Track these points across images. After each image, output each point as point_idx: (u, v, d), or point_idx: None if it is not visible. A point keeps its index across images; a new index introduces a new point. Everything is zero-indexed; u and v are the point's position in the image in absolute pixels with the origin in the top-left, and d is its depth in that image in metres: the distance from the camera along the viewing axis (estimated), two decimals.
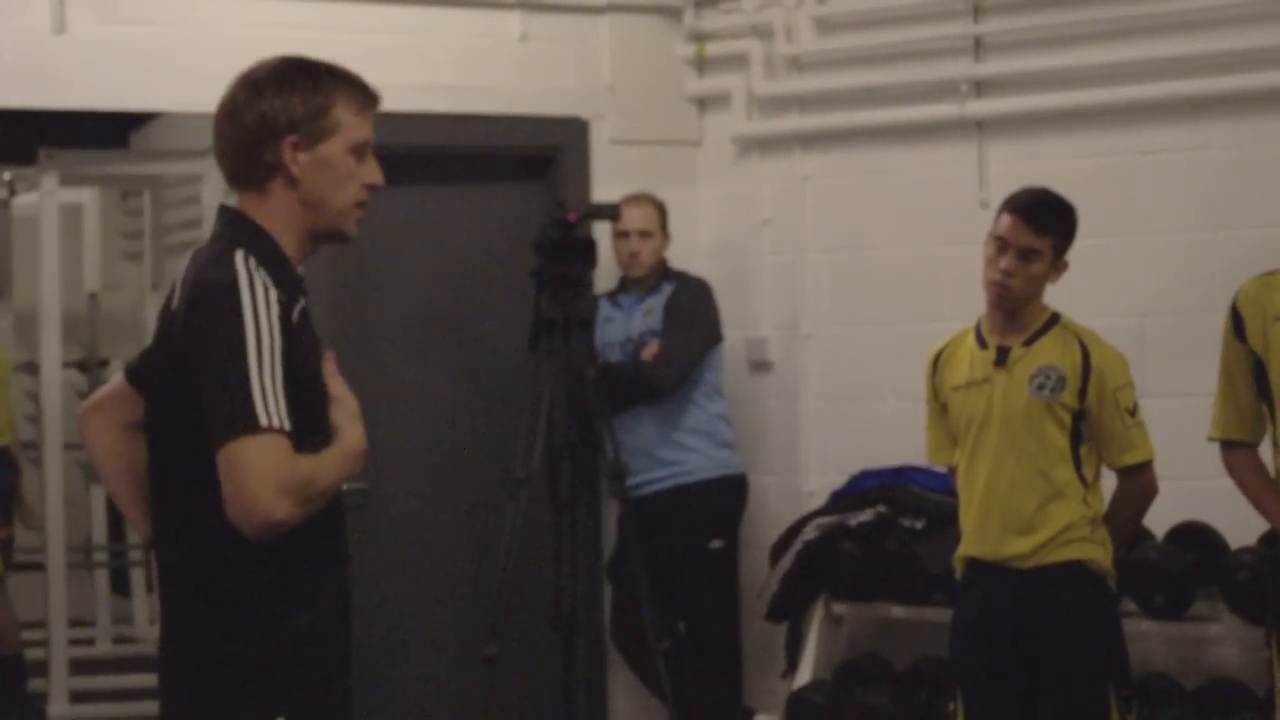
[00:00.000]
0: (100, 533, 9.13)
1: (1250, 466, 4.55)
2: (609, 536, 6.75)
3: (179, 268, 3.10)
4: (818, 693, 6.35)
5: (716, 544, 6.58)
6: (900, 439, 5.94)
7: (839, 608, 6.45)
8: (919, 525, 6.24)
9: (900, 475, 6.39)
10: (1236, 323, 4.48)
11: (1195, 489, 5.50)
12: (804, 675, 6.45)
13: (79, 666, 7.88)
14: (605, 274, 6.73)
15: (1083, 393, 4.63)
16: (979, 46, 6.56)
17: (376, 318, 6.76)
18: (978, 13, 6.54)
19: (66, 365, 8.22)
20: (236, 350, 2.90)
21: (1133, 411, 4.67)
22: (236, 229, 3.07)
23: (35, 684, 7.56)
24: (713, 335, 6.65)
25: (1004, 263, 4.61)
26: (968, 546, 4.74)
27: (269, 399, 2.90)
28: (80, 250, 9.09)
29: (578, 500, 6.35)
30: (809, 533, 6.43)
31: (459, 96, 6.68)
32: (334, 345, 3.18)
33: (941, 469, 5.06)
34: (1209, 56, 6.07)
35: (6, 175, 9.06)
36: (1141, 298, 6.16)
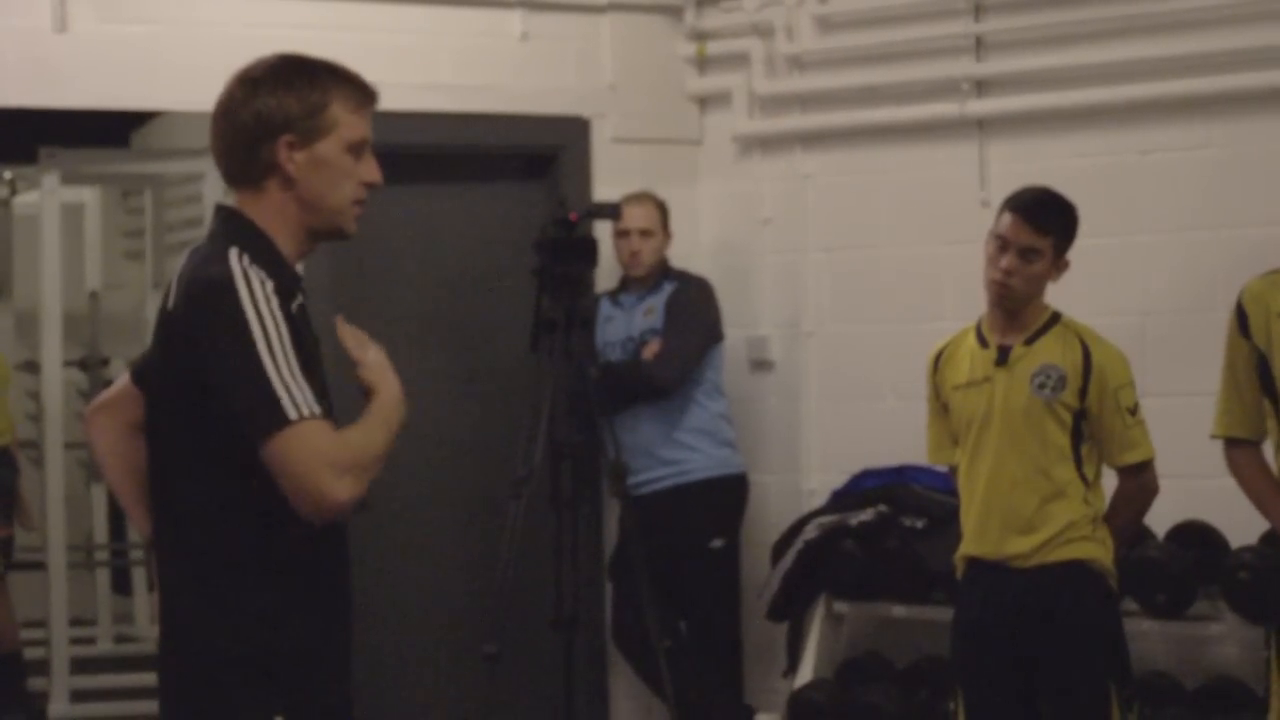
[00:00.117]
0: (101, 532, 9.14)
1: (1253, 465, 4.54)
2: (610, 536, 6.75)
3: (178, 267, 3.10)
4: (819, 691, 6.35)
5: (717, 543, 6.58)
6: (901, 438, 5.94)
7: (840, 607, 6.45)
8: (920, 524, 6.24)
9: (901, 474, 6.40)
10: (1241, 320, 4.48)
11: (1196, 488, 5.51)
12: (805, 674, 6.45)
13: (80, 665, 7.88)
14: (606, 273, 6.74)
15: (1084, 392, 4.63)
16: (980, 46, 6.56)
17: (377, 317, 6.74)
18: (978, 12, 6.54)
19: (67, 364, 8.22)
20: (246, 348, 2.90)
21: (1133, 410, 4.67)
22: (231, 228, 3.06)
23: (36, 683, 7.57)
24: (713, 334, 6.65)
25: (1005, 262, 4.61)
26: (969, 546, 4.74)
27: (292, 390, 2.90)
28: (81, 249, 9.09)
29: (579, 499, 6.36)
30: (810, 532, 6.43)
31: (460, 95, 6.68)
32: (334, 344, 3.17)
33: (942, 468, 5.06)
34: (1209, 56, 6.07)
35: (7, 174, 9.07)
36: (1142, 297, 6.16)
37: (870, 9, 6.76)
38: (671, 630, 6.33)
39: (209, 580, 3.00)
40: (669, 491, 6.54)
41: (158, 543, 3.10)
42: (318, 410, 2.90)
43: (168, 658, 3.06)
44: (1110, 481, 4.75)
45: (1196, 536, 5.85)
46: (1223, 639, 5.88)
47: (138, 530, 3.29)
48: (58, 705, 7.63)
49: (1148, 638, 5.81)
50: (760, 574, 6.62)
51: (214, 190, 7.42)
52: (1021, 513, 4.62)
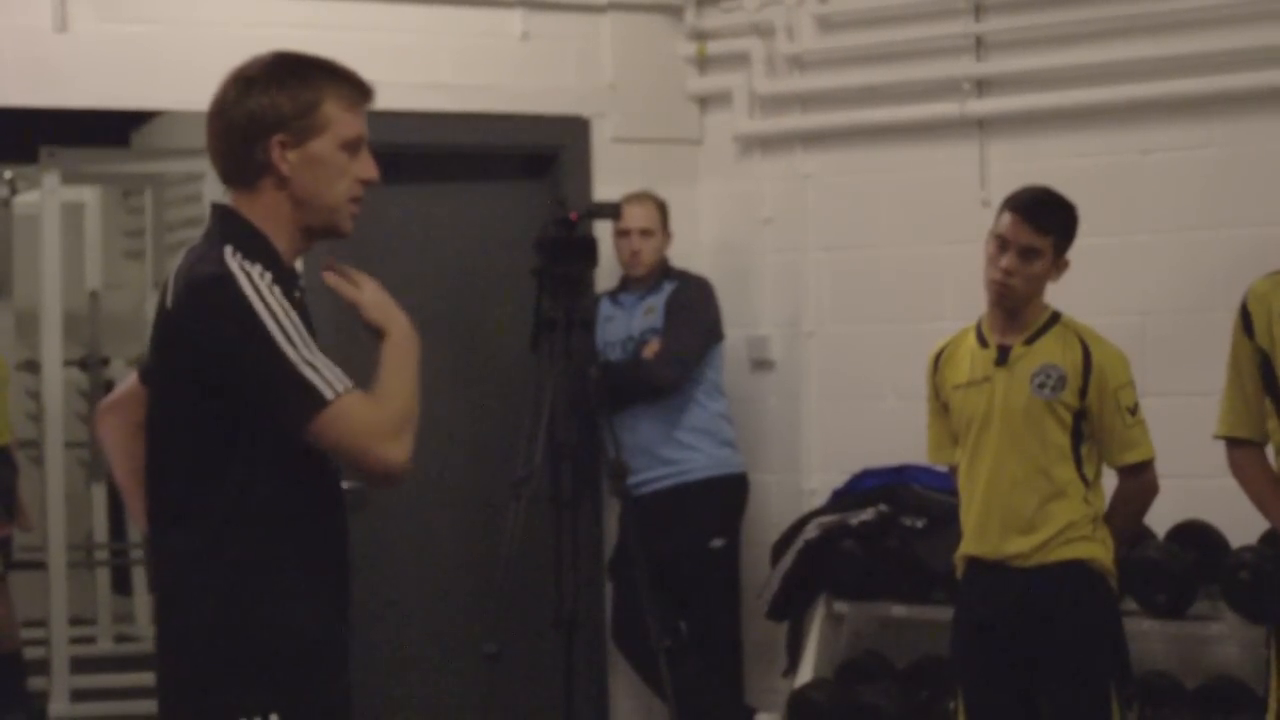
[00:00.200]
0: (101, 531, 9.14)
1: (1255, 466, 4.53)
2: (610, 535, 6.74)
3: (174, 266, 3.10)
4: (819, 691, 6.35)
5: (717, 543, 6.58)
6: (901, 438, 5.94)
7: (840, 606, 6.45)
8: (920, 524, 6.24)
9: (901, 474, 6.39)
10: (1246, 320, 4.47)
11: (1196, 488, 5.50)
12: (805, 674, 6.45)
13: (80, 665, 7.88)
14: (606, 273, 6.73)
15: (1083, 391, 4.63)
16: (980, 45, 6.56)
17: None
18: (979, 11, 6.53)
19: (68, 364, 8.22)
20: (262, 339, 2.90)
21: (1133, 410, 4.67)
22: (226, 226, 3.06)
23: (36, 682, 7.56)
24: (714, 334, 6.65)
25: (1005, 261, 4.61)
26: (969, 545, 4.74)
27: (320, 369, 2.92)
28: (82, 249, 9.09)
29: (579, 499, 6.36)
30: (810, 531, 6.43)
31: (460, 95, 6.68)
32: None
33: (942, 468, 5.06)
34: (1210, 55, 6.06)
35: (8, 174, 9.06)
36: (1142, 296, 6.16)
37: (870, 9, 6.76)
38: (671, 630, 6.33)
39: (206, 578, 3.00)
40: (669, 491, 6.54)
41: (154, 538, 3.10)
42: (349, 382, 2.93)
43: (166, 656, 3.06)
44: (1110, 481, 4.75)
45: (1196, 536, 5.84)
46: (1223, 639, 5.88)
47: (140, 528, 3.30)
48: (58, 705, 7.63)
49: (1148, 638, 5.80)
50: (760, 574, 6.62)
51: (214, 190, 7.33)
52: (1021, 512, 4.62)
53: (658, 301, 6.60)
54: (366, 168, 3.11)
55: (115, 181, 9.34)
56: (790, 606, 6.51)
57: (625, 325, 6.64)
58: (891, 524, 6.30)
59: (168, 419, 3.04)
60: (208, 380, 2.95)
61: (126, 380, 3.33)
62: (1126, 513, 4.77)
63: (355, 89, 3.10)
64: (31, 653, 7.56)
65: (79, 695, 7.71)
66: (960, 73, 6.54)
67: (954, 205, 6.51)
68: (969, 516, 4.73)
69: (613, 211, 6.48)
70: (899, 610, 6.30)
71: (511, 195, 6.96)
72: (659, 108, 7.06)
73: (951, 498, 4.95)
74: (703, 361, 6.59)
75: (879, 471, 6.48)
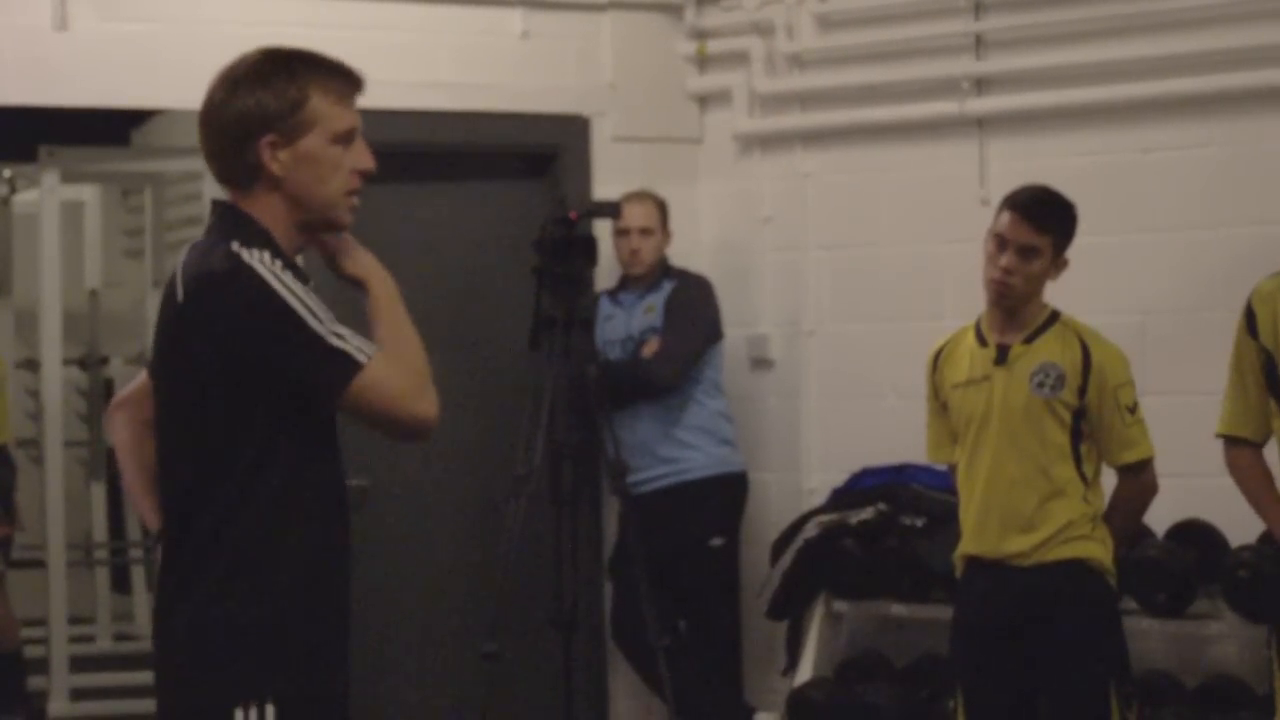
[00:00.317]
0: (101, 530, 9.14)
1: (1252, 466, 4.54)
2: (610, 534, 6.75)
3: (178, 261, 3.09)
4: (818, 690, 6.35)
5: (717, 541, 6.58)
6: (901, 437, 5.94)
7: (839, 605, 6.45)
8: (919, 523, 6.24)
9: (901, 473, 6.39)
10: (1250, 320, 4.47)
11: (1196, 487, 5.50)
12: (804, 673, 6.45)
13: (79, 664, 7.89)
14: (606, 271, 6.73)
15: (1083, 390, 4.63)
16: (980, 44, 6.56)
17: None
18: (979, 10, 6.53)
19: (67, 363, 8.22)
20: (288, 317, 2.93)
21: (1133, 409, 4.67)
22: (229, 223, 3.06)
23: (35, 681, 7.56)
24: (713, 332, 6.65)
25: (1004, 260, 4.61)
26: (968, 544, 4.74)
27: (346, 337, 2.97)
28: (81, 247, 9.09)
29: (578, 498, 6.36)
30: (809, 530, 6.43)
31: (460, 94, 6.68)
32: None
33: (942, 467, 5.06)
34: (1210, 54, 6.06)
35: (7, 172, 9.06)
36: (1142, 295, 6.15)
37: (870, 7, 6.76)
38: (671, 629, 6.33)
39: (210, 572, 3.00)
40: (669, 490, 6.54)
41: (165, 532, 3.10)
42: (374, 347, 2.98)
43: (165, 646, 3.06)
44: (1110, 480, 4.75)
45: (1196, 536, 5.84)
46: (1223, 638, 5.88)
47: (147, 524, 3.30)
48: (57, 704, 7.63)
49: (1148, 637, 5.80)
50: (760, 573, 6.61)
51: (214, 188, 7.30)
52: (1021, 511, 4.62)
53: (657, 300, 6.60)
54: (362, 158, 3.10)
55: (115, 180, 9.34)
56: (790, 605, 6.51)
57: (625, 324, 6.64)
58: (891, 523, 6.30)
59: (175, 414, 3.04)
60: (231, 370, 2.95)
61: (137, 377, 3.33)
62: (1126, 512, 4.77)
63: (343, 80, 3.08)
64: (31, 651, 7.55)
65: (78, 694, 7.71)
66: (960, 71, 6.54)
67: (953, 204, 6.50)
68: (968, 516, 4.73)
69: (612, 210, 6.48)
70: (898, 609, 6.30)
71: (511, 194, 6.96)
72: (659, 107, 7.06)
73: (951, 497, 4.95)
74: (702, 360, 6.59)
75: (878, 470, 6.48)
